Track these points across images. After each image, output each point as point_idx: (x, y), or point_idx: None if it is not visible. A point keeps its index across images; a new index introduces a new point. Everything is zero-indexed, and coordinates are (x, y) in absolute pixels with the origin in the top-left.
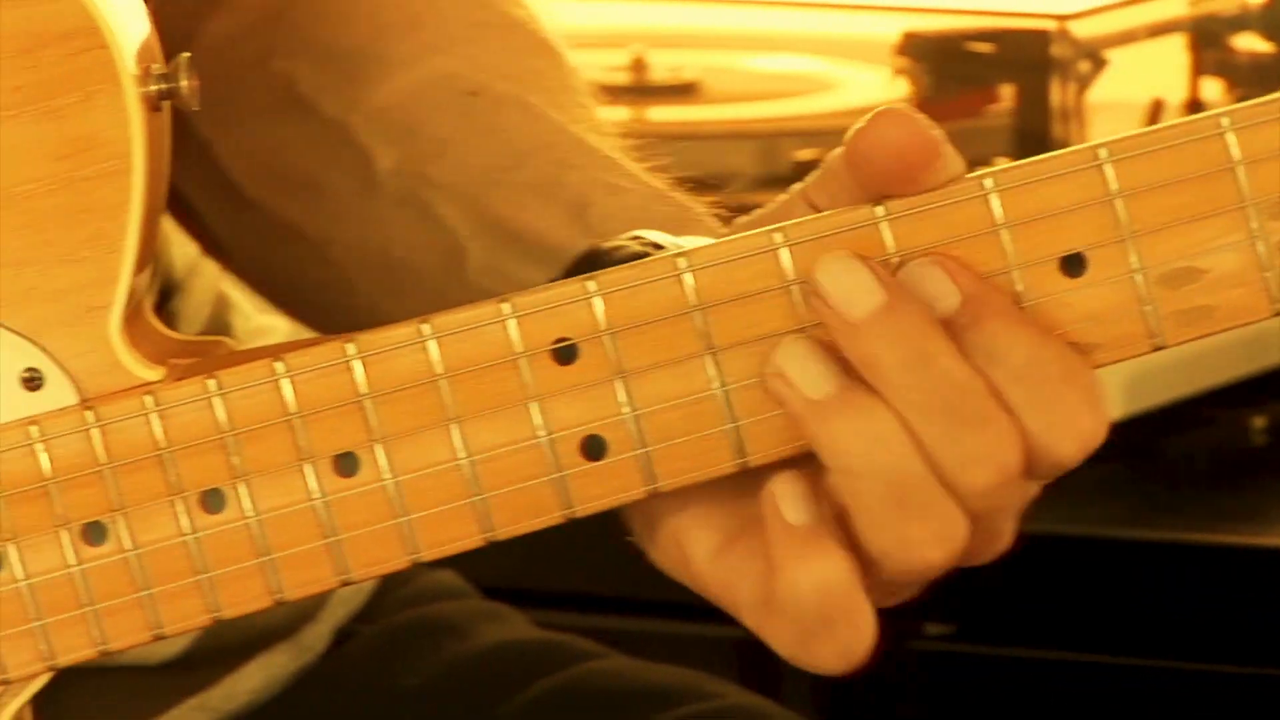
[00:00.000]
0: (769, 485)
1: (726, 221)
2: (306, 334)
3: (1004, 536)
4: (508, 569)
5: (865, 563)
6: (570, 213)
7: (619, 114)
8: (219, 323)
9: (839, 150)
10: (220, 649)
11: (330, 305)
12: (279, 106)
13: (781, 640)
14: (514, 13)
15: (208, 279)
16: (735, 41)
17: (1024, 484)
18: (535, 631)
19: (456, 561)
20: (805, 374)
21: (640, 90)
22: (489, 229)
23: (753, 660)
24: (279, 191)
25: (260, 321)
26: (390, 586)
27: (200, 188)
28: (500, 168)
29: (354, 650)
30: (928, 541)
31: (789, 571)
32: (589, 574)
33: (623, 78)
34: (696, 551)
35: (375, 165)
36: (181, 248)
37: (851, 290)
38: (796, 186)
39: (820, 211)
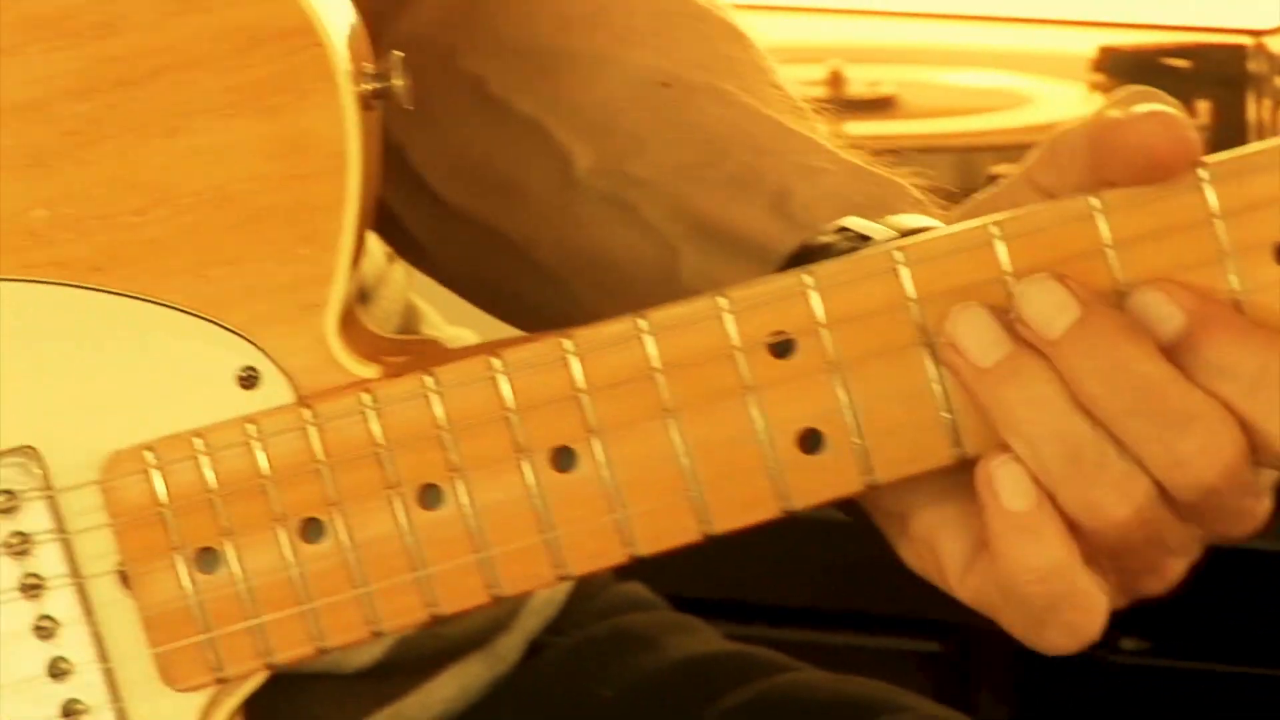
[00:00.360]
0: (984, 468)
1: (930, 194)
2: None
3: (1253, 517)
4: (697, 580)
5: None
6: (773, 204)
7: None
8: (407, 332)
9: (1075, 129)
10: (415, 658)
11: (543, 306)
12: (471, 107)
13: (1015, 626)
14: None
15: (396, 288)
16: (932, 56)
17: (1252, 471)
18: (725, 644)
19: (646, 573)
20: (976, 342)
21: (837, 104)
22: (697, 229)
23: (946, 673)
24: (477, 194)
25: (449, 332)
26: (581, 598)
27: (398, 191)
28: (699, 163)
29: (546, 661)
30: (1110, 501)
31: (1008, 560)
32: (779, 586)
33: (820, 92)
34: (948, 556)
35: (574, 164)
36: (370, 257)
37: (1048, 308)
38: (1021, 167)
39: (1045, 190)
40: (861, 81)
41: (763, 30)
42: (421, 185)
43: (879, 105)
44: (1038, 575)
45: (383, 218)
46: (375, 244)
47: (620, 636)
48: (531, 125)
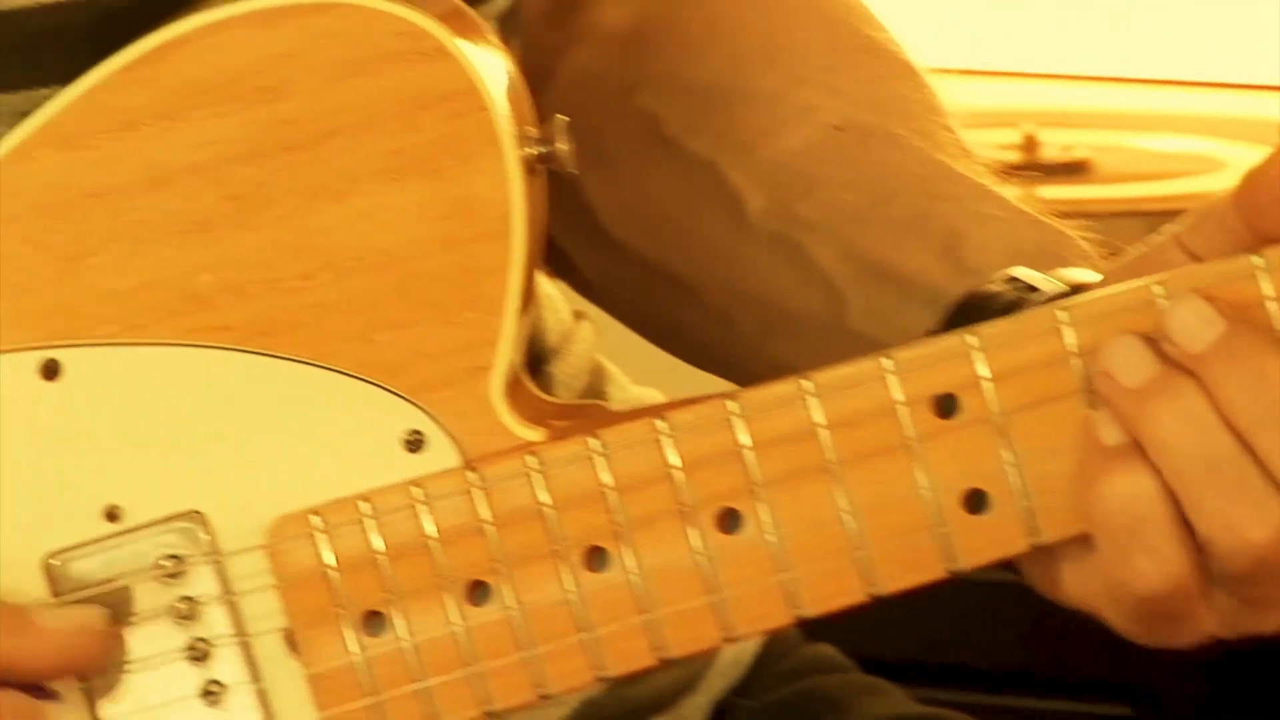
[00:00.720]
0: (1088, 414)
1: (1099, 249)
2: None
3: None
4: (888, 642)
5: (1203, 556)
6: (943, 248)
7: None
8: (594, 392)
9: (1222, 195)
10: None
11: (711, 346)
12: (645, 145)
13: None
14: (873, 35)
15: (583, 346)
16: (1126, 121)
17: None
18: (916, 707)
19: (835, 634)
20: (1124, 364)
21: (1032, 169)
22: (865, 272)
23: None
24: (648, 232)
25: (635, 391)
26: (769, 659)
27: (568, 229)
28: (870, 204)
29: None
30: (1249, 520)
31: (1099, 485)
32: (970, 648)
33: (1014, 157)
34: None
35: (745, 205)
36: (555, 315)
37: (1193, 323)
38: (1169, 229)
39: (1194, 255)
40: (1055, 146)
41: (957, 94)
42: (593, 221)
43: (1073, 170)
44: (1126, 502)
45: (552, 251)
46: (562, 303)
47: (809, 699)
48: (704, 165)
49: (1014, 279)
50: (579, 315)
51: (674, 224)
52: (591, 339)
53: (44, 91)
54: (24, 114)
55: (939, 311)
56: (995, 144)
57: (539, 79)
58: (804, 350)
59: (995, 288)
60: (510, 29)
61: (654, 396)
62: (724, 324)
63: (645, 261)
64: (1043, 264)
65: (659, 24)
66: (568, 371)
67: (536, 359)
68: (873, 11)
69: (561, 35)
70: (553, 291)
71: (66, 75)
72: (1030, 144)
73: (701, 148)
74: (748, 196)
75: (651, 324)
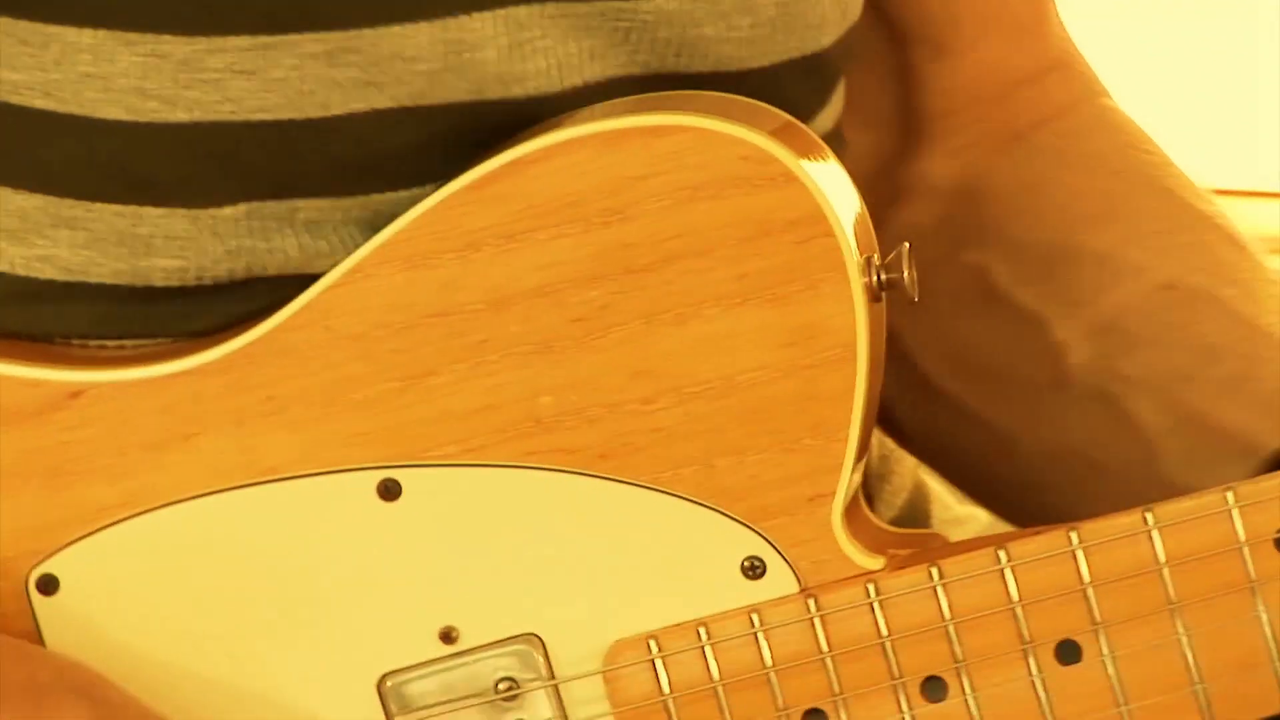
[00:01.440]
0: None
1: None
2: (1004, 525)
3: None
4: None
5: None
6: (1265, 408)
7: None
8: (916, 511)
9: None
10: None
11: (1018, 501)
12: (971, 298)
13: None
14: (1203, 208)
15: (907, 466)
16: None
17: None
18: None
19: None
20: None
21: None
22: (1184, 425)
23: None
24: (967, 381)
25: (959, 512)
26: None
27: (890, 378)
28: (1194, 363)
29: None
30: None
31: None
32: None
33: None
34: None
35: (1067, 359)
36: (879, 440)
37: None
38: None
39: None
40: None
41: (1256, 218)
42: (913, 369)
43: None
44: None
45: None
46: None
47: None
48: (1030, 318)
49: None
50: None
51: (995, 374)
52: (914, 459)
53: (378, 198)
54: (359, 220)
55: (1256, 464)
56: None
57: None
58: (1117, 503)
59: None
60: (837, 152)
61: (980, 516)
62: (1036, 476)
63: (963, 410)
64: None
65: (989, 179)
66: (890, 489)
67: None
68: (1196, 183)
69: (890, 186)
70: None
71: (401, 182)
72: None
73: (1030, 301)
74: (1072, 350)
75: (964, 473)
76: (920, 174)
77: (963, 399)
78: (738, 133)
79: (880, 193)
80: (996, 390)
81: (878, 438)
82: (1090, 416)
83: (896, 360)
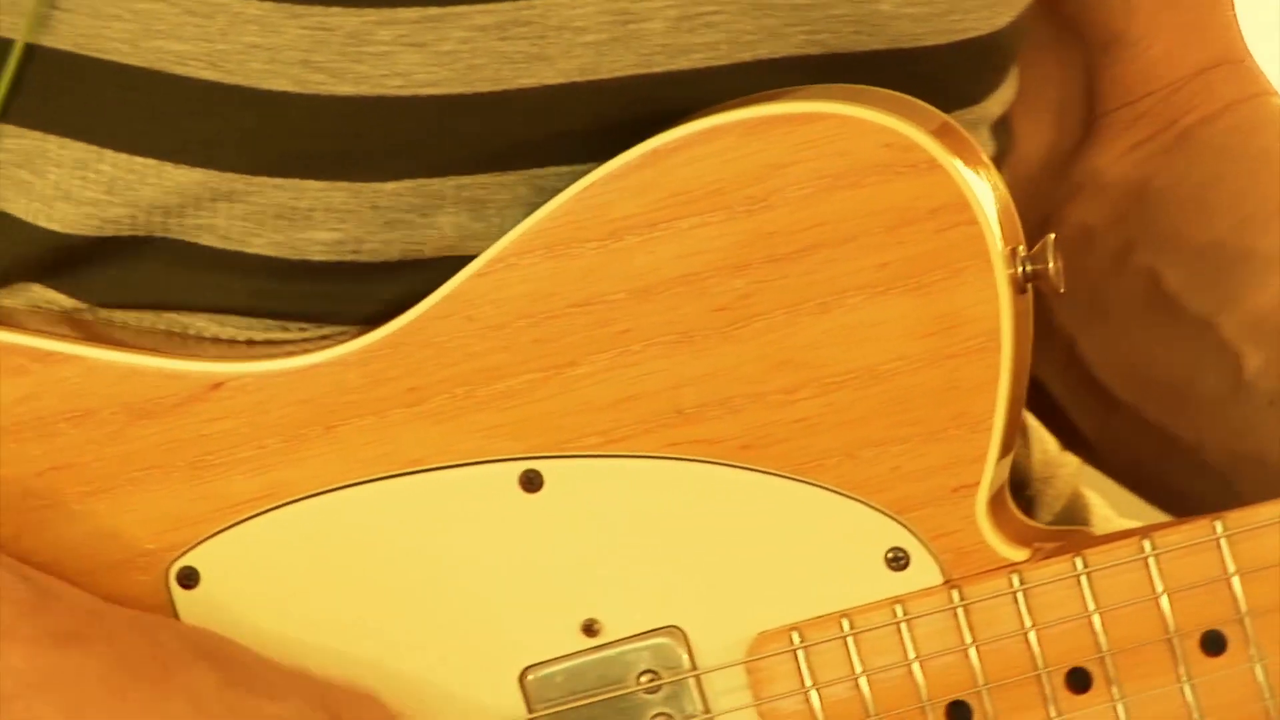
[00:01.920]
0: None
1: None
2: None
3: None
4: None
5: None
6: None
7: None
8: (1072, 521)
9: None
10: None
11: (1204, 509)
12: (1143, 304)
13: None
14: None
15: (1065, 476)
16: None
17: None
18: None
19: None
20: None
21: None
22: None
23: None
24: (1145, 390)
25: (1118, 525)
26: None
27: (1065, 385)
28: None
29: None
30: None
31: None
32: None
33: None
34: None
35: (1243, 366)
36: (1040, 445)
37: None
38: None
39: None
40: None
41: None
42: (1090, 378)
43: None
44: None
45: (1048, 409)
46: (1046, 432)
47: None
48: (1203, 325)
49: None
50: (1064, 446)
51: (1172, 386)
52: (1075, 467)
53: (540, 173)
54: (520, 198)
55: None
56: None
57: (1036, 229)
58: None
59: None
60: (1003, 140)
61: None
62: (1224, 486)
63: (1143, 421)
64: None
65: (1159, 178)
66: (1050, 495)
67: (1019, 484)
68: None
69: (1062, 186)
70: (1036, 424)
71: (565, 159)
72: None
73: (1201, 307)
74: (1247, 357)
75: (1150, 485)
76: (1092, 170)
77: (1142, 410)
78: (880, 119)
79: (1052, 189)
80: (1175, 402)
81: (1040, 441)
82: (1271, 422)
83: (1074, 370)
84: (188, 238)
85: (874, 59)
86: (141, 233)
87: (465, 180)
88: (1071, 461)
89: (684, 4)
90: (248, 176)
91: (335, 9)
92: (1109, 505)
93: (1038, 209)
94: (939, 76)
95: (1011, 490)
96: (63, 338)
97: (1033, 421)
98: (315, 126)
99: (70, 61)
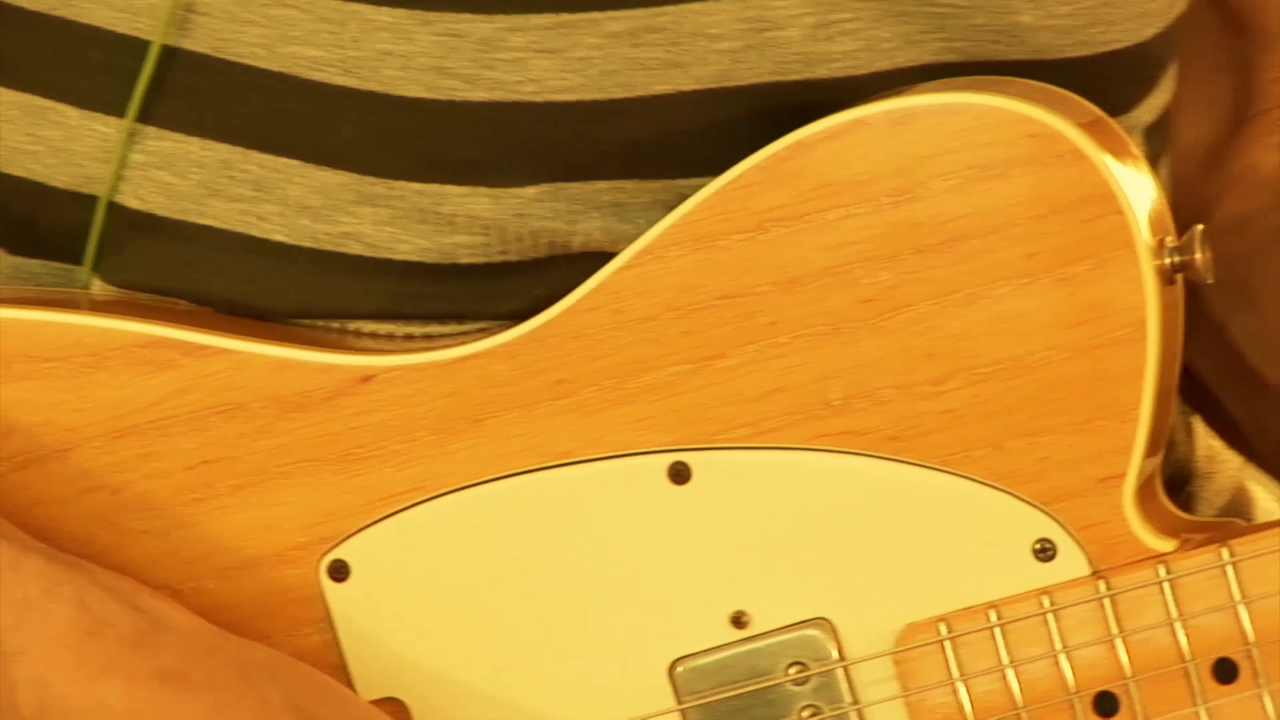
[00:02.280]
0: None
1: None
2: None
3: None
4: None
5: None
6: None
7: None
8: (1238, 514)
9: None
10: None
11: None
12: None
13: None
14: None
15: (1228, 473)
16: None
17: None
18: None
19: None
20: None
21: None
22: None
23: None
24: None
25: None
26: None
27: (1218, 373)
28: None
29: None
30: None
31: None
32: None
33: None
34: None
35: None
36: (1205, 439)
37: None
38: None
39: None
40: None
41: None
42: (1243, 366)
43: None
44: None
45: (1201, 397)
46: (1213, 433)
47: None
48: None
49: None
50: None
51: None
52: (1239, 464)
53: (681, 182)
54: (662, 201)
55: None
56: None
57: (1191, 222)
58: None
59: None
60: (1157, 143)
61: None
62: None
63: None
64: None
65: None
66: (1211, 490)
67: (1180, 480)
68: None
69: (1218, 180)
70: (1199, 422)
71: (703, 167)
72: None
73: None
74: None
75: None
76: (1250, 165)
77: None
78: (1025, 110)
79: (1211, 183)
80: None
81: (1204, 435)
82: None
83: (1225, 358)
84: (337, 248)
85: (1014, 68)
86: (290, 240)
87: (604, 185)
88: (1235, 458)
89: (820, 11)
90: (389, 181)
91: (466, 15)
92: (1275, 498)
93: (1193, 205)
94: (1086, 87)
95: (1173, 485)
96: (213, 330)
97: (1196, 420)
98: (451, 132)
99: (209, 65)
